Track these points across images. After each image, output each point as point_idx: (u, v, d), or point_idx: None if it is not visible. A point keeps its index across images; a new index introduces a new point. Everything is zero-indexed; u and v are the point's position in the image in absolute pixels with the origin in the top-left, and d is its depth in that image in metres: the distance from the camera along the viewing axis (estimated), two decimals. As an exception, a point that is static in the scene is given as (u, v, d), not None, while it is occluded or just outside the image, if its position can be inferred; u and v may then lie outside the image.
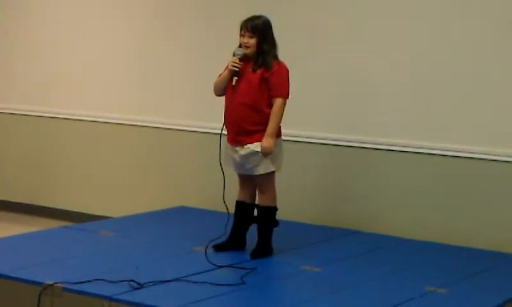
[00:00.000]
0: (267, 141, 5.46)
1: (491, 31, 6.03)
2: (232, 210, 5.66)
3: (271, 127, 5.47)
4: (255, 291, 4.90)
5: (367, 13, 6.45)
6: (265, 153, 5.47)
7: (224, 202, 5.52)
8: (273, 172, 5.58)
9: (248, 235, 5.71)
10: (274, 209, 5.65)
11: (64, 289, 4.66)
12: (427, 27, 6.24)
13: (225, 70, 5.57)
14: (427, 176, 6.28)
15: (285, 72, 5.53)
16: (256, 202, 5.71)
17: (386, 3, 6.38)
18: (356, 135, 6.50)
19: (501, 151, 6.00)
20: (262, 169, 5.51)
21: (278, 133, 5.56)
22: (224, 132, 5.58)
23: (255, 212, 5.71)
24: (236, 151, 5.55)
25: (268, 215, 5.63)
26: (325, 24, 6.60)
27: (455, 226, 6.17)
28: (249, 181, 5.64)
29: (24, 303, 4.74)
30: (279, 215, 5.69)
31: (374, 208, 6.48)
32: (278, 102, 5.48)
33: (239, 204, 5.71)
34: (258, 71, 5.47)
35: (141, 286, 4.74)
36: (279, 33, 5.56)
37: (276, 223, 5.65)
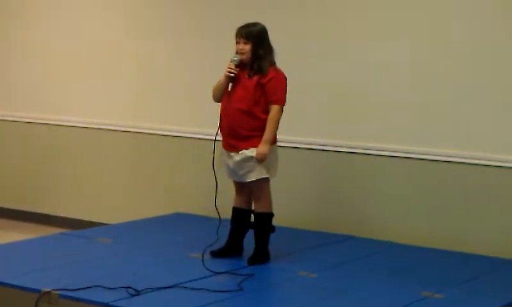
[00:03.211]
0: (263, 148, 5.47)
1: (487, 35, 6.04)
2: (225, 215, 5.66)
3: (267, 134, 5.47)
4: (252, 298, 4.90)
5: (358, 20, 6.45)
6: (260, 160, 5.47)
7: (216, 207, 5.53)
8: (267, 178, 5.58)
9: (245, 241, 5.71)
10: (270, 215, 5.65)
11: (62, 296, 4.66)
12: (418, 33, 6.24)
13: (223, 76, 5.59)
14: (423, 181, 6.28)
15: (282, 79, 5.54)
16: (252, 208, 5.72)
17: (377, 11, 6.39)
18: (352, 141, 6.49)
19: (495, 157, 6.00)
20: (254, 176, 5.50)
21: (273, 140, 5.57)
22: (219, 137, 5.59)
23: (252, 218, 5.71)
24: (231, 157, 5.55)
25: (264, 222, 5.62)
26: (316, 30, 6.60)
27: (452, 231, 6.17)
28: (244, 187, 5.64)
29: (21, 310, 4.75)
30: (275, 221, 5.70)
31: (371, 214, 6.48)
32: (274, 108, 5.49)
33: (235, 210, 5.71)
34: (254, 78, 5.48)
35: (138, 292, 4.74)
36: (272, 40, 5.57)
37: (272, 229, 5.65)
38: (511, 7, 5.94)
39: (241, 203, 5.69)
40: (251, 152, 5.48)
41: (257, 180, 5.52)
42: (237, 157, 5.52)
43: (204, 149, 6.75)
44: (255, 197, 5.62)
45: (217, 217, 5.58)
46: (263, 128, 5.48)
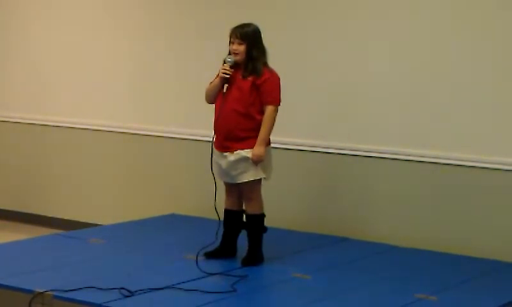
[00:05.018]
0: (259, 149, 5.47)
1: (487, 35, 6.05)
2: (220, 217, 5.67)
3: (262, 134, 5.47)
4: (245, 299, 4.91)
5: (354, 23, 6.45)
6: (256, 161, 5.48)
7: (216, 209, 5.53)
8: (260, 180, 5.57)
9: (238, 241, 5.71)
10: (261, 216, 5.64)
11: (55, 297, 4.66)
12: (418, 34, 6.25)
13: (216, 77, 5.59)
14: (416, 183, 6.28)
15: (276, 80, 5.54)
16: (243, 208, 5.72)
17: (376, 12, 6.39)
18: (345, 143, 6.49)
19: (491, 159, 6.00)
20: (248, 176, 5.50)
21: (267, 142, 5.57)
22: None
23: (244, 218, 5.71)
24: (224, 157, 5.54)
25: (256, 223, 5.62)
26: (313, 32, 6.61)
27: (445, 234, 6.17)
28: (235, 188, 5.63)
29: (14, 311, 4.75)
30: (269, 223, 5.70)
31: (364, 216, 6.48)
32: (269, 109, 5.49)
33: (227, 212, 5.70)
34: (249, 78, 5.48)
35: (131, 293, 4.75)
36: (268, 41, 5.58)
37: (264, 230, 5.65)
38: (511, 7, 5.95)
39: (232, 205, 5.69)
40: (247, 153, 5.48)
41: (249, 181, 5.52)
42: (231, 157, 5.51)
43: (199, 151, 6.77)
44: (246, 199, 5.62)
45: (214, 218, 5.58)
46: (258, 129, 5.49)
